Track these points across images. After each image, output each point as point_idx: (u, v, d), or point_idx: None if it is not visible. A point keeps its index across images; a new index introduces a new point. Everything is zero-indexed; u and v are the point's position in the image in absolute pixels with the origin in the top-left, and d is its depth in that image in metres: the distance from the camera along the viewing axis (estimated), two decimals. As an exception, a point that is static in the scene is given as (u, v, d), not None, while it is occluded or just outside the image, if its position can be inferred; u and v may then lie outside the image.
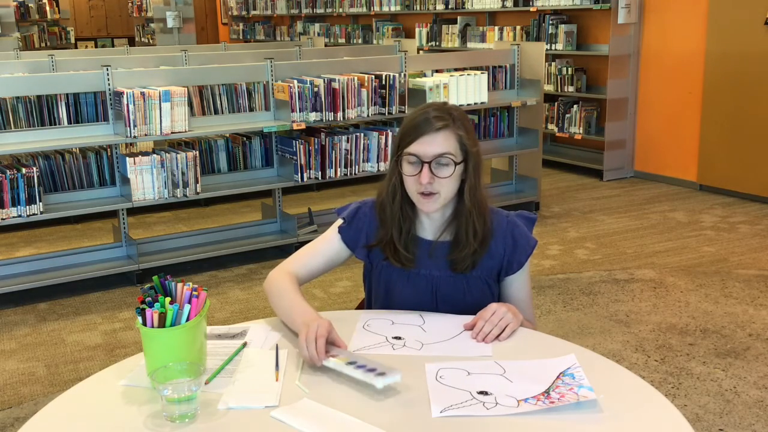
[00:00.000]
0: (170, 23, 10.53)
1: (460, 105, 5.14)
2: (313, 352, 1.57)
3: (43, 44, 11.20)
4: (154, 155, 4.28)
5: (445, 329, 1.77)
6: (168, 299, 1.52)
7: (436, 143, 1.78)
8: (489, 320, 1.73)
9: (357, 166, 4.84)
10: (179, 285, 1.58)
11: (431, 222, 1.90)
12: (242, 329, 1.81)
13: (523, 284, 1.94)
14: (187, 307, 1.53)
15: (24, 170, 4.00)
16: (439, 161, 1.78)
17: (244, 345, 1.71)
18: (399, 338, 1.73)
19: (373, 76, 4.85)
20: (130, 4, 12.49)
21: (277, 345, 1.68)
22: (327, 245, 1.97)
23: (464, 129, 1.81)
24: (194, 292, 1.56)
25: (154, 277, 1.59)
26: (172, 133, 4.34)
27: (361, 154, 4.83)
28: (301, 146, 4.65)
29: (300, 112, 4.63)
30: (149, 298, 1.53)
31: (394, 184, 1.87)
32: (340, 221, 1.98)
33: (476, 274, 1.89)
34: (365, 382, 1.47)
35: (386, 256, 1.90)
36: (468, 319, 1.79)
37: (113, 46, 13.47)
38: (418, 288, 1.90)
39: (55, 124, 4.70)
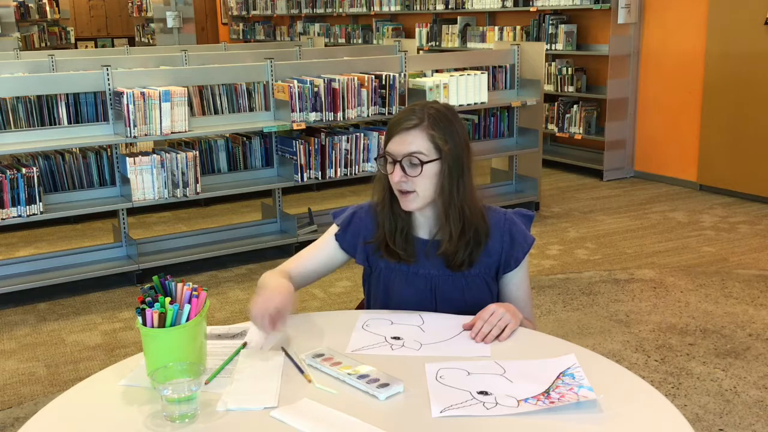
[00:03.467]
0: (170, 23, 10.53)
1: (460, 105, 5.15)
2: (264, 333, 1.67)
3: (43, 44, 11.20)
4: (154, 155, 4.28)
5: (443, 329, 1.77)
6: (168, 299, 1.52)
7: (406, 142, 1.79)
8: (488, 321, 1.73)
9: (357, 166, 4.84)
10: (179, 285, 1.58)
11: (425, 220, 1.90)
12: (242, 329, 1.81)
13: (522, 282, 1.94)
14: (187, 307, 1.53)
15: (24, 170, 4.00)
16: (409, 160, 1.79)
17: (244, 345, 1.71)
18: (398, 338, 1.73)
19: (373, 76, 4.85)
20: (130, 4, 12.49)
21: (283, 348, 1.67)
22: (321, 250, 1.98)
23: (439, 128, 1.79)
24: (194, 292, 1.56)
25: (154, 277, 1.59)
26: (172, 133, 4.34)
27: (361, 154, 4.83)
28: (301, 146, 4.65)
29: (300, 112, 4.64)
30: (149, 298, 1.52)
31: (381, 182, 1.89)
32: (335, 228, 1.98)
33: (474, 272, 1.89)
34: (368, 393, 1.48)
35: (383, 254, 1.90)
36: (467, 319, 1.79)
37: (113, 46, 13.47)
38: (417, 287, 1.91)
39: (55, 124, 4.70)
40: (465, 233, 1.84)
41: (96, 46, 13.17)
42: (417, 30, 8.86)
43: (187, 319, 1.52)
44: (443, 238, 1.85)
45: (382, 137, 4.76)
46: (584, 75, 6.94)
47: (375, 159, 1.91)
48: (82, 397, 1.53)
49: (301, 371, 1.57)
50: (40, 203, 4.07)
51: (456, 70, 5.49)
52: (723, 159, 6.02)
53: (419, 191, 1.80)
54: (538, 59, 5.61)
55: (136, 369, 1.61)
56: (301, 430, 1.36)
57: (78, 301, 4.20)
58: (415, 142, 1.79)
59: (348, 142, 4.77)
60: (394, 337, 1.73)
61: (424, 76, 5.46)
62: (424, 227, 1.91)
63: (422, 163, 1.78)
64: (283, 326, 1.69)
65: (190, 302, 1.54)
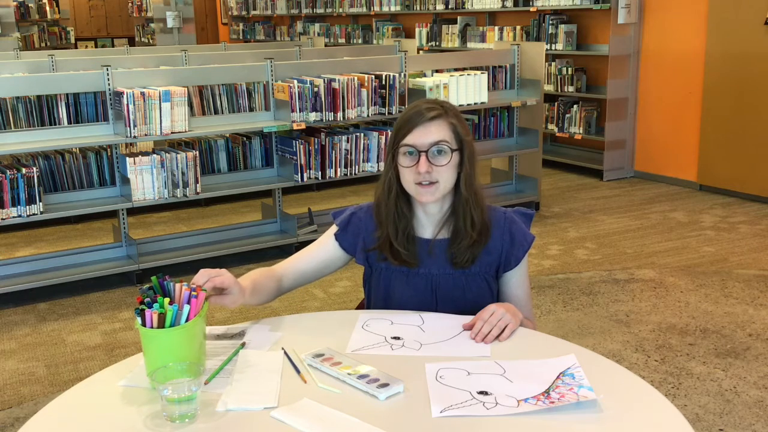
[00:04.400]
0: (170, 23, 10.53)
1: (460, 105, 5.15)
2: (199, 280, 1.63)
3: (43, 44, 11.20)
4: (154, 155, 4.28)
5: (443, 329, 1.77)
6: (167, 300, 1.52)
7: (431, 132, 1.80)
8: (488, 321, 1.73)
9: (357, 166, 4.84)
10: (178, 285, 1.58)
11: (429, 219, 1.90)
12: (241, 329, 1.81)
13: (522, 281, 1.95)
14: (186, 308, 1.52)
15: (24, 170, 4.00)
16: (435, 149, 1.79)
17: (243, 345, 1.71)
18: (398, 338, 1.73)
19: (373, 76, 4.85)
20: (130, 4, 12.49)
21: (284, 349, 1.67)
22: (320, 250, 1.98)
23: (457, 119, 1.84)
24: (193, 293, 1.56)
25: (153, 278, 1.59)
26: (172, 133, 4.34)
27: (361, 154, 4.83)
28: (301, 146, 4.65)
29: (300, 112, 4.63)
30: (148, 299, 1.52)
31: (389, 179, 1.87)
32: (335, 228, 1.98)
33: (475, 270, 1.89)
34: (368, 393, 1.48)
35: (386, 256, 1.90)
36: (467, 319, 1.79)
37: (113, 46, 13.47)
38: (418, 288, 1.91)
39: (55, 124, 4.70)
40: (475, 225, 1.85)
41: (96, 46, 13.17)
42: (417, 30, 8.86)
43: (187, 320, 1.52)
44: (462, 230, 1.85)
45: (383, 137, 4.82)
46: (584, 75, 6.94)
47: (392, 152, 1.88)
48: (82, 397, 1.53)
49: (298, 371, 1.57)
50: (40, 203, 4.07)
51: (456, 70, 5.49)
52: (723, 159, 6.01)
53: (441, 181, 1.81)
54: (538, 59, 5.61)
55: (136, 369, 1.61)
56: (301, 430, 1.36)
57: (78, 301, 4.20)
58: (439, 131, 1.80)
59: (348, 142, 4.77)
60: (394, 337, 1.73)
61: (424, 76, 5.46)
62: (426, 227, 1.91)
63: (452, 150, 1.80)
64: (219, 296, 1.67)
65: (189, 303, 1.54)
